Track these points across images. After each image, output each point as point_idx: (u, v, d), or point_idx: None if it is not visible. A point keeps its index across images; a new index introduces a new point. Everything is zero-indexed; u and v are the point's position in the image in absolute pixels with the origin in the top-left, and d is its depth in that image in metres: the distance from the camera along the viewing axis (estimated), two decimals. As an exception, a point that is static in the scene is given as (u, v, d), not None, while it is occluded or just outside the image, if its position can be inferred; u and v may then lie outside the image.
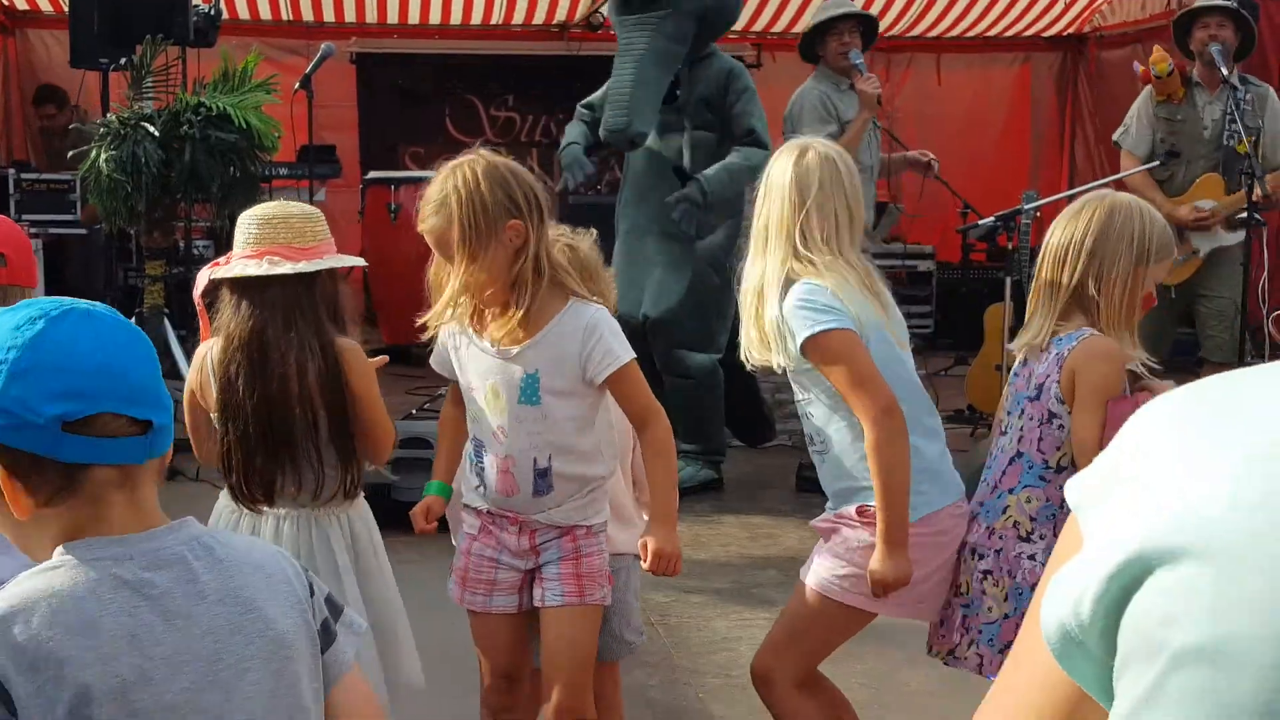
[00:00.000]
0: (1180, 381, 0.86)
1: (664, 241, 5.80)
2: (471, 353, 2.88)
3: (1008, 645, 2.82)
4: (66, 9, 8.04)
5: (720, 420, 6.11)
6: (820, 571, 3.00)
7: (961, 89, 11.17)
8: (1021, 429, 2.92)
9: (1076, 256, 2.85)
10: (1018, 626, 2.91)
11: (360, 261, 3.18)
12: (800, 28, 6.52)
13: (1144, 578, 0.76)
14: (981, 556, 2.90)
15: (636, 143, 5.61)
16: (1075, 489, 0.85)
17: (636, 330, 5.56)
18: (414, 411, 6.30)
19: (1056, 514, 2.86)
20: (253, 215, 2.88)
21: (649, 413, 2.88)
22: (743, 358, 3.04)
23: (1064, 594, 0.81)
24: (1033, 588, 2.83)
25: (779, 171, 2.98)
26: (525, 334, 2.80)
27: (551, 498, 2.86)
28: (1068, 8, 10.54)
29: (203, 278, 2.94)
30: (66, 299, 1.52)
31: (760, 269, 2.97)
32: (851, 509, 2.95)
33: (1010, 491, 2.90)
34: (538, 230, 2.77)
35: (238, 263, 2.84)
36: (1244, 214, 6.07)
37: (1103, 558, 0.78)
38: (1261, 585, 0.71)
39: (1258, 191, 5.95)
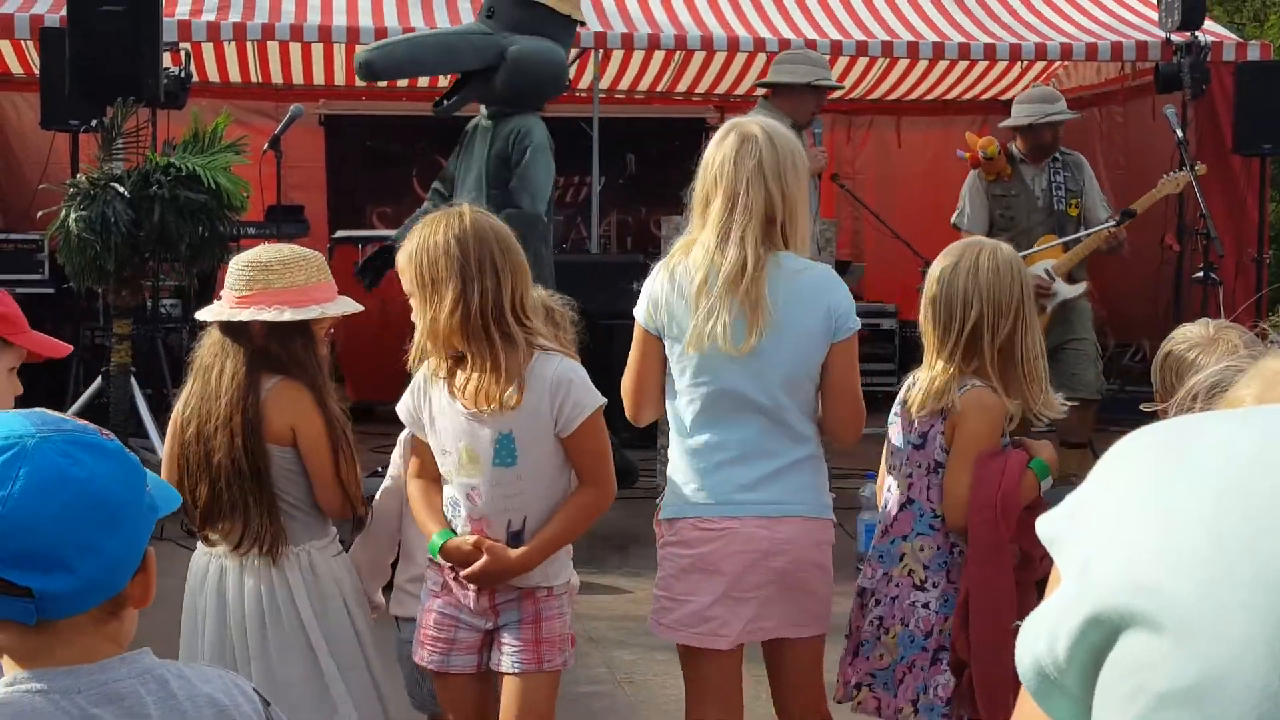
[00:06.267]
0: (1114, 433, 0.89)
1: None
2: (445, 412, 2.85)
3: (900, 691, 2.89)
4: (37, 71, 8.11)
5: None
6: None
7: (921, 150, 11.33)
8: (910, 475, 2.94)
9: (966, 306, 2.89)
10: (907, 671, 2.94)
11: (351, 308, 3.04)
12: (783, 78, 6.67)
13: (1123, 626, 0.78)
14: (878, 602, 2.94)
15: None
16: (1046, 524, 0.87)
17: None
18: (379, 470, 6.32)
19: (948, 560, 2.91)
20: (243, 260, 2.94)
21: (597, 478, 2.88)
22: (699, 345, 2.92)
23: (1039, 633, 0.83)
24: (925, 635, 2.87)
25: (721, 158, 2.94)
26: (496, 394, 2.76)
27: None
28: (1024, 72, 10.75)
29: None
30: (31, 426, 1.39)
31: (739, 254, 2.87)
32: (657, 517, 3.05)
33: (904, 539, 2.94)
34: (489, 291, 2.76)
35: (224, 308, 2.93)
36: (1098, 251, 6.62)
37: (1080, 600, 0.80)
38: (1237, 635, 0.74)
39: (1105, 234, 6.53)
